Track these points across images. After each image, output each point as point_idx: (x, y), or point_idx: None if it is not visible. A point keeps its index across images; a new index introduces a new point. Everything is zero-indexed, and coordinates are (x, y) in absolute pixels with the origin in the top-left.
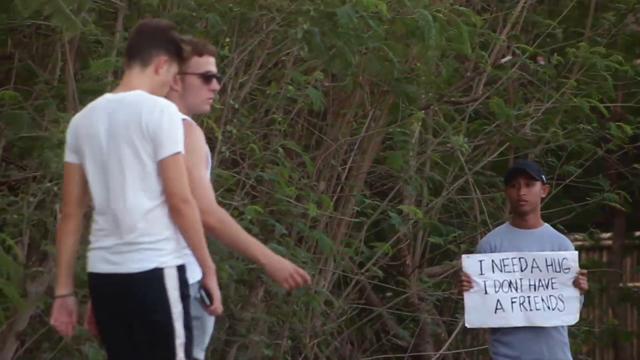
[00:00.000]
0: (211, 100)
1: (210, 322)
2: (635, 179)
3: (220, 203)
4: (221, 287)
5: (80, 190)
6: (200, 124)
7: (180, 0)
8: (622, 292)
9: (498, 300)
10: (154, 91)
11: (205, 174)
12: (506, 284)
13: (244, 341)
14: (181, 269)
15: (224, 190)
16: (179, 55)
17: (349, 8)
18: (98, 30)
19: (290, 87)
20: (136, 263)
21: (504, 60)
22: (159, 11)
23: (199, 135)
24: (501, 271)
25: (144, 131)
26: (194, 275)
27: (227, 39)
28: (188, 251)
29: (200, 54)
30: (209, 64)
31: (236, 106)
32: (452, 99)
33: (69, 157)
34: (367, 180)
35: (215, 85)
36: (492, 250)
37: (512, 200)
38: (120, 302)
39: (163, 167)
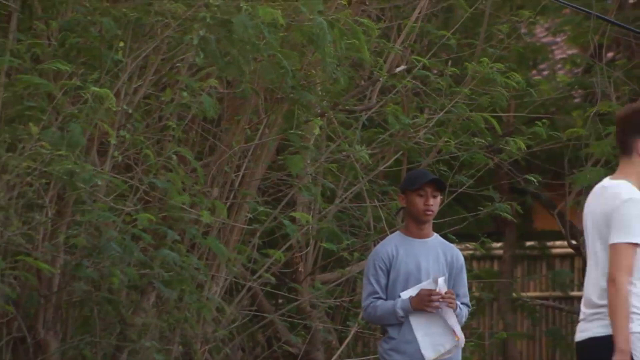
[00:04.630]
0: None
1: None
2: (527, 187)
3: (111, 209)
4: (112, 292)
5: None
6: (94, 126)
7: (74, 5)
8: (513, 301)
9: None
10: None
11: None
12: None
13: (135, 346)
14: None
15: (117, 196)
16: None
17: (245, 17)
18: None
19: (185, 94)
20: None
21: (398, 69)
22: (53, 15)
23: None
24: None
25: (607, 217)
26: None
27: (121, 44)
28: None
29: None
30: None
31: (130, 111)
32: (347, 107)
33: None
34: (260, 187)
35: None
36: (391, 259)
37: (416, 208)
38: None
39: (609, 250)
